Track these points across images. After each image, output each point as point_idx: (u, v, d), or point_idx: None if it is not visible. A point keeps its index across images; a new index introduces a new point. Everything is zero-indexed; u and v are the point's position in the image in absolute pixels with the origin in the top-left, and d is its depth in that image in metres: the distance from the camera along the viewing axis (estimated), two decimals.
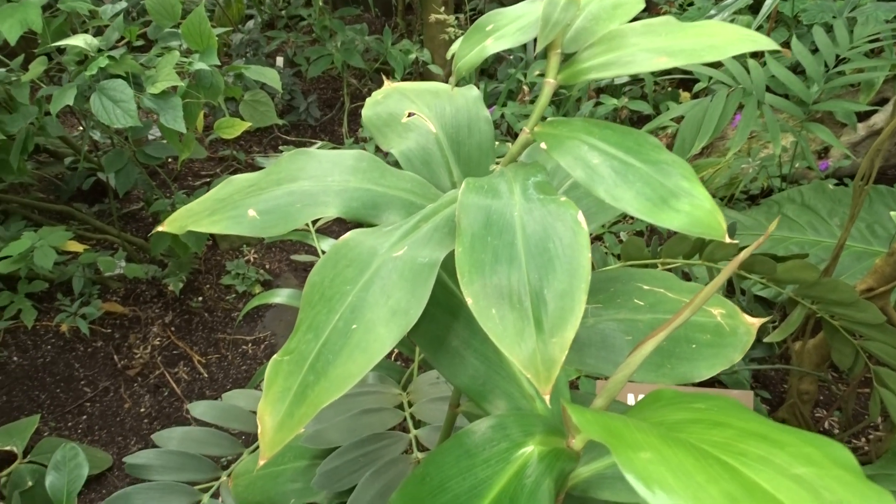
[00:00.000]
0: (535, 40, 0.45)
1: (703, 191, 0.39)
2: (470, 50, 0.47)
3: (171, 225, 0.54)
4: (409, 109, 0.61)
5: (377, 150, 2.44)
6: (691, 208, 0.38)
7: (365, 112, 0.63)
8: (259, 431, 0.40)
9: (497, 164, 0.54)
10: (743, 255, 0.36)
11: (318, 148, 0.61)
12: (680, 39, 0.41)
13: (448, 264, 0.47)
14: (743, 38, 0.39)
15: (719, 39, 0.40)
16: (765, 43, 0.39)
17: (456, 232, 0.40)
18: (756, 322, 0.64)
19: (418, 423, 0.80)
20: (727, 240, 0.39)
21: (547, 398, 0.35)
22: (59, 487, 0.84)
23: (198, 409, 0.88)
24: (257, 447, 0.84)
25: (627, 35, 0.43)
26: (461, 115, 0.60)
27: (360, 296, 0.42)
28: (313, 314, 0.43)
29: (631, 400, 1.11)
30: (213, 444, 0.85)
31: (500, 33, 0.46)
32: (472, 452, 0.43)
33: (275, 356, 0.43)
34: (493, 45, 0.46)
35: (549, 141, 0.43)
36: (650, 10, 2.97)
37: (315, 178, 0.53)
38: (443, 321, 0.50)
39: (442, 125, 0.59)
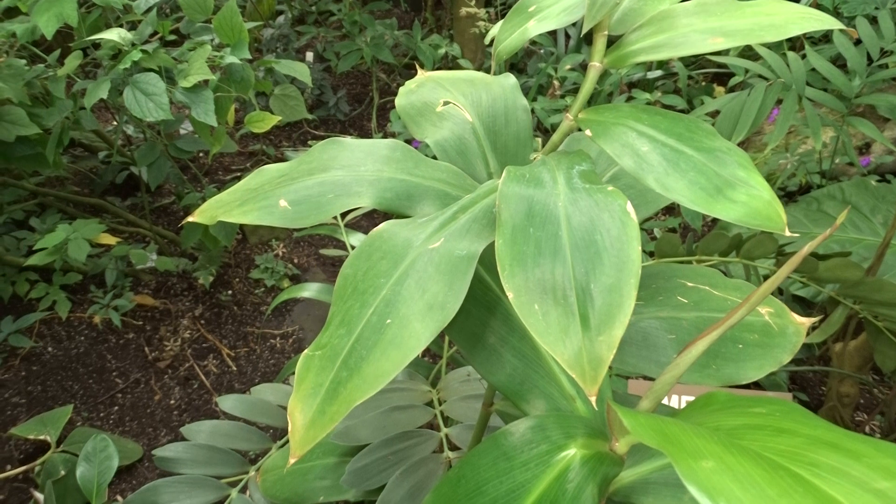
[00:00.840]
0: (569, 31, 0.43)
1: (761, 180, 0.37)
2: (511, 32, 0.45)
3: (201, 216, 0.53)
4: (443, 98, 0.59)
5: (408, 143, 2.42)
6: (748, 198, 0.36)
7: (398, 101, 0.62)
8: (290, 429, 0.38)
9: (535, 156, 0.52)
10: (806, 248, 0.34)
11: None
12: (736, 19, 0.38)
13: (485, 258, 0.45)
14: (806, 17, 0.37)
15: (779, 18, 0.37)
16: (830, 21, 0.36)
17: (496, 223, 0.38)
18: (806, 322, 0.61)
19: (448, 422, 0.79)
20: (787, 232, 0.36)
21: (593, 400, 0.33)
22: (90, 479, 0.84)
23: (227, 402, 0.87)
24: (286, 442, 0.84)
25: (679, 15, 0.41)
26: (498, 104, 0.58)
27: (395, 289, 0.40)
28: (346, 308, 0.41)
29: (673, 402, 1.08)
30: (241, 438, 0.85)
31: (544, 14, 0.44)
32: (509, 455, 0.41)
33: (306, 351, 0.41)
34: (535, 27, 0.44)
35: (595, 128, 0.41)
36: None
37: (348, 168, 0.51)
38: (479, 317, 0.48)
39: (478, 114, 0.57)
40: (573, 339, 0.35)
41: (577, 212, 0.38)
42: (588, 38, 3.17)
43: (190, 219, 0.53)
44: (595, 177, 0.40)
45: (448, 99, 0.59)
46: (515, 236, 0.37)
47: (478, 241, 0.41)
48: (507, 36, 0.46)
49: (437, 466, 0.69)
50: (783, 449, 0.27)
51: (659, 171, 0.38)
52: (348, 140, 0.54)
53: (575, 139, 0.62)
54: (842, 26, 0.36)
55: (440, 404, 0.80)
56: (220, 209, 0.51)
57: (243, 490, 0.79)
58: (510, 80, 0.60)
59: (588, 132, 0.41)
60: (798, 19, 0.37)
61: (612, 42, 0.48)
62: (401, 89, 0.64)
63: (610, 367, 1.47)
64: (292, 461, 0.37)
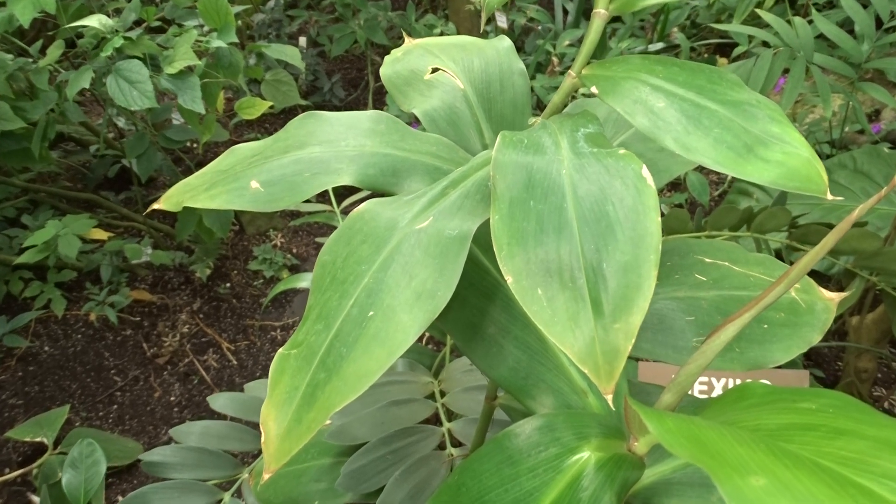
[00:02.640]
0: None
1: (798, 136, 0.31)
2: None
3: (167, 202, 0.48)
4: (433, 65, 0.54)
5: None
6: (784, 157, 0.31)
7: (383, 70, 0.56)
8: (263, 440, 0.34)
9: (534, 120, 0.46)
10: (857, 212, 0.29)
11: None
12: None
13: (481, 238, 0.40)
14: None
15: None
16: None
17: (491, 197, 0.33)
18: (835, 297, 0.56)
19: (452, 415, 0.74)
20: (829, 196, 0.31)
21: (609, 398, 0.28)
22: (77, 486, 0.80)
23: (218, 401, 0.83)
24: None
25: None
26: (492, 69, 0.53)
27: (378, 277, 0.35)
28: (324, 300, 0.36)
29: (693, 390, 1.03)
30: (234, 438, 0.80)
31: None
32: (515, 459, 0.36)
33: (281, 349, 0.36)
34: None
35: (601, 84, 0.36)
36: None
37: (327, 144, 0.46)
38: (476, 305, 0.43)
39: (470, 80, 0.52)
40: (584, 327, 0.30)
41: (585, 180, 0.32)
42: (588, 14, 3.09)
43: (155, 205, 0.48)
44: (604, 140, 0.35)
45: (437, 65, 0.54)
46: (513, 211, 0.32)
47: (471, 219, 0.36)
48: None
49: (439, 465, 0.65)
50: (845, 456, 0.22)
51: (678, 130, 0.32)
52: (328, 113, 0.49)
53: (579, 107, 0.57)
54: None
55: (442, 397, 0.75)
56: (186, 194, 0.46)
57: (236, 493, 0.75)
58: (505, 42, 0.55)
59: (594, 89, 0.36)
60: None
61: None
62: (386, 58, 0.58)
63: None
64: (266, 478, 0.33)
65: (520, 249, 0.31)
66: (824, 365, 1.72)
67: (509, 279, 0.31)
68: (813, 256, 0.31)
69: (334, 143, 0.46)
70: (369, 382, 0.32)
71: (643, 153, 0.53)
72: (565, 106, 0.43)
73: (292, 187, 0.43)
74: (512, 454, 0.37)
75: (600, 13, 0.37)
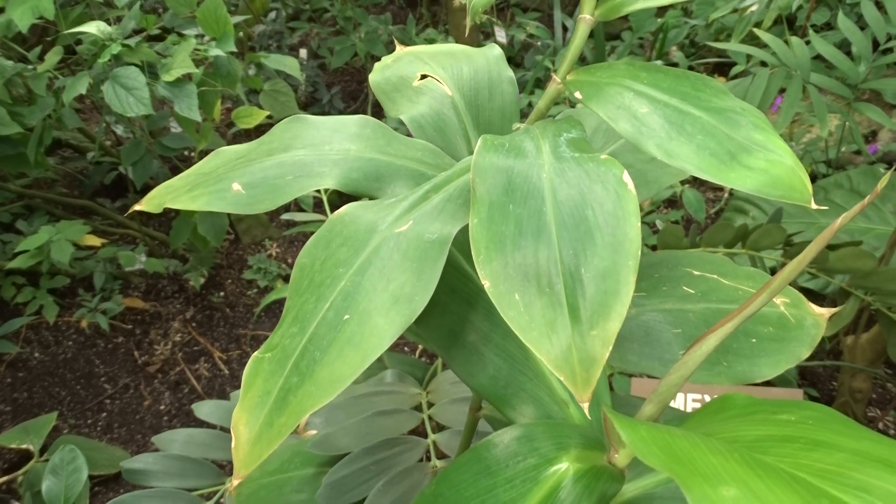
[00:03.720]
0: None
1: (782, 143, 0.31)
2: None
3: (149, 203, 0.48)
4: (422, 72, 0.54)
5: None
6: (768, 164, 0.30)
7: (372, 77, 0.56)
8: (233, 444, 0.33)
9: (518, 125, 0.46)
10: (840, 220, 0.28)
11: None
12: None
13: (464, 244, 0.40)
14: None
15: None
16: None
17: (471, 201, 0.32)
18: (825, 312, 0.55)
19: (439, 427, 0.73)
20: (813, 204, 0.30)
21: (585, 406, 0.28)
22: (57, 493, 0.79)
23: (203, 409, 0.82)
24: None
25: None
26: (481, 77, 0.52)
27: (355, 280, 0.35)
28: (300, 303, 0.35)
29: (678, 403, 1.02)
30: (218, 447, 0.79)
31: None
32: (492, 470, 0.36)
33: (255, 353, 0.36)
34: None
35: (586, 89, 0.35)
36: None
37: (311, 147, 0.46)
38: (457, 312, 0.42)
39: (459, 87, 0.51)
40: (561, 334, 0.29)
41: (565, 184, 0.32)
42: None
43: (137, 207, 0.48)
44: (586, 145, 0.34)
45: (426, 72, 0.54)
46: (493, 214, 0.32)
47: (451, 223, 0.36)
48: None
49: (422, 477, 0.64)
50: (822, 468, 0.22)
51: (661, 136, 0.32)
52: (314, 117, 0.49)
53: (568, 116, 0.56)
54: None
55: (429, 408, 0.74)
56: (168, 195, 0.46)
57: (218, 503, 0.74)
58: (494, 50, 0.55)
59: (578, 94, 0.36)
60: None
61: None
62: (376, 65, 0.58)
63: (611, 366, 1.40)
64: (236, 483, 0.32)
65: (498, 253, 0.31)
66: (819, 384, 1.71)
67: (486, 284, 0.30)
68: (795, 267, 0.31)
69: (319, 146, 0.46)
70: (342, 387, 0.32)
71: (633, 163, 0.53)
72: (551, 112, 0.43)
73: (274, 190, 0.42)
74: (490, 464, 0.36)
75: (585, 18, 0.37)
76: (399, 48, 0.61)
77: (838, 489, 0.20)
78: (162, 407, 1.78)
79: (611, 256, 0.30)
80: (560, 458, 0.35)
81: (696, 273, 0.53)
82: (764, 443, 0.25)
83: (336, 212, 0.38)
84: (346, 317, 0.33)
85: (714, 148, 0.31)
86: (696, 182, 2.22)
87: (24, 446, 1.48)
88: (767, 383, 1.60)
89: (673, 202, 2.23)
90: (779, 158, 0.31)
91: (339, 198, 1.85)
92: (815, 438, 0.23)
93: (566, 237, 0.31)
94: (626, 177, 0.31)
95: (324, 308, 0.34)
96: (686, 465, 0.21)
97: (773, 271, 1.56)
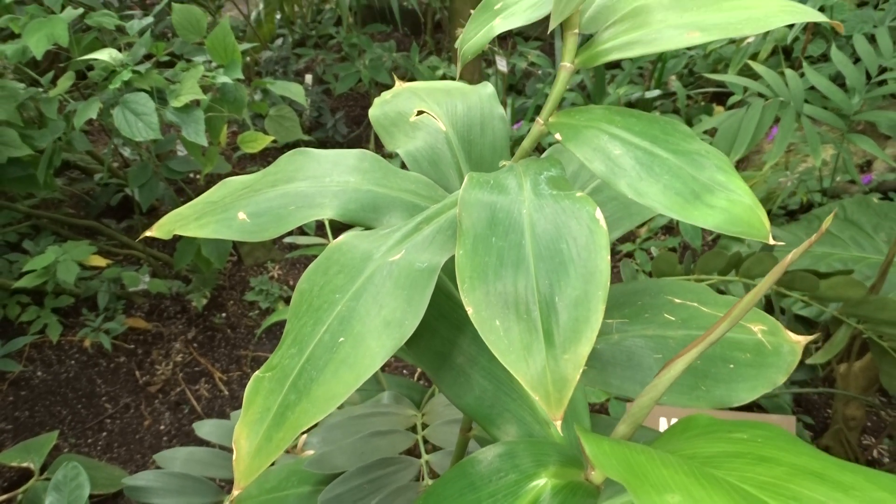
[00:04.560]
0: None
1: (742, 184, 0.34)
2: (477, 31, 0.43)
3: (159, 230, 0.51)
4: (418, 108, 0.57)
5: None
6: (728, 204, 0.33)
7: (372, 112, 0.59)
8: (234, 457, 0.35)
9: (504, 163, 0.49)
10: (790, 256, 0.31)
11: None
12: (713, 13, 0.36)
13: (455, 273, 0.42)
14: (785, 10, 0.34)
15: (758, 12, 0.35)
16: (811, 14, 0.34)
17: (457, 233, 0.35)
18: (801, 340, 0.58)
19: (433, 448, 0.75)
20: (770, 240, 0.33)
21: (558, 424, 0.30)
22: None
23: (203, 428, 0.84)
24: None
25: (653, 10, 0.38)
26: (474, 113, 0.56)
27: (350, 305, 0.37)
28: (299, 326, 0.38)
29: (664, 425, 1.04)
30: (217, 465, 0.81)
31: (510, 11, 0.41)
32: (476, 485, 0.38)
33: (257, 372, 0.38)
34: (501, 25, 0.42)
35: (565, 131, 0.38)
36: None
37: (313, 179, 0.49)
38: (447, 336, 0.45)
39: (452, 123, 0.55)
40: (536, 357, 0.32)
41: (542, 219, 0.35)
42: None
43: (148, 233, 0.51)
44: (565, 183, 0.37)
45: (423, 108, 0.57)
46: (476, 246, 0.35)
47: (440, 254, 0.39)
48: (473, 35, 0.43)
49: (415, 496, 0.66)
50: (763, 480, 0.24)
51: (632, 176, 0.35)
52: (316, 151, 0.52)
53: (558, 152, 0.59)
54: (825, 19, 0.34)
55: (423, 429, 0.77)
56: (177, 223, 0.49)
57: None
58: (487, 88, 0.58)
59: (558, 136, 0.39)
60: (777, 12, 0.34)
61: (587, 39, 0.45)
62: (376, 100, 0.61)
63: (605, 393, 1.42)
64: (236, 494, 0.34)
65: (480, 283, 0.33)
66: (814, 412, 1.72)
67: (470, 310, 0.33)
68: (756, 294, 0.33)
69: (320, 178, 0.49)
70: (336, 404, 0.34)
71: (616, 196, 0.56)
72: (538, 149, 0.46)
73: (278, 219, 0.45)
74: (474, 480, 0.38)
75: (566, 66, 0.40)
76: (398, 84, 0.64)
77: (774, 498, 0.23)
78: (162, 427, 1.79)
79: (583, 286, 0.32)
80: (539, 473, 0.37)
81: (677, 301, 0.56)
82: (718, 458, 0.28)
83: (334, 241, 0.41)
84: (342, 339, 0.36)
85: (679, 188, 0.34)
86: None
87: (24, 465, 1.49)
88: (762, 410, 1.62)
89: (670, 229, 2.26)
90: (739, 198, 0.33)
91: (342, 224, 1.89)
92: (761, 454, 0.26)
93: (543, 268, 0.33)
94: (599, 213, 0.34)
95: (321, 331, 0.37)
96: (639, 475, 0.23)
97: (766, 299, 1.58)
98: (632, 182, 0.35)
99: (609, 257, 0.33)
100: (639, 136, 0.37)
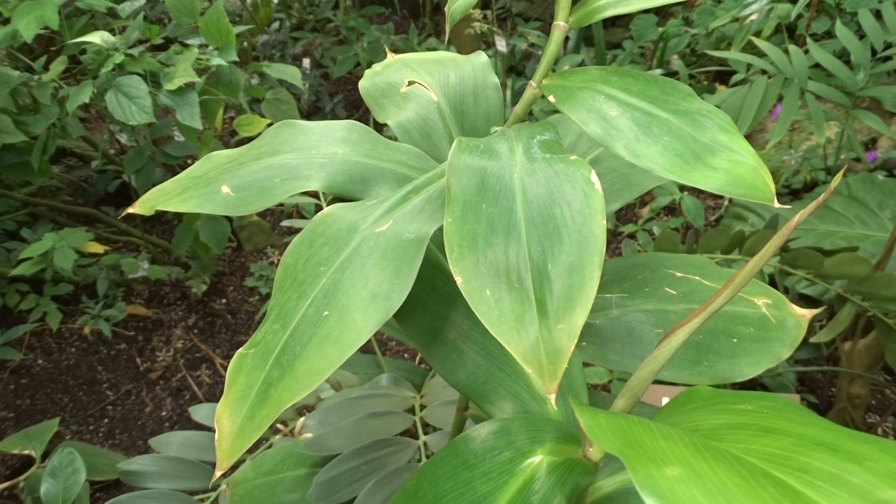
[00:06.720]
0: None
1: (746, 145, 0.32)
2: None
3: (142, 206, 0.49)
4: (409, 78, 0.55)
5: None
6: (731, 165, 0.31)
7: (362, 83, 0.57)
8: (217, 437, 0.34)
9: (496, 129, 0.47)
10: (797, 217, 0.29)
11: None
12: None
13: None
14: None
15: None
16: None
17: (445, 200, 0.33)
18: (807, 314, 0.56)
19: (431, 429, 0.74)
20: (776, 204, 0.31)
21: (552, 398, 0.29)
22: (55, 495, 0.80)
23: (199, 412, 0.83)
24: (259, 453, 0.79)
25: None
26: (467, 83, 0.54)
27: (336, 278, 0.36)
28: (283, 300, 0.37)
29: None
30: (213, 448, 0.80)
31: None
32: (470, 463, 0.36)
33: (240, 349, 0.37)
34: None
35: (559, 93, 0.36)
36: (685, 5, 2.87)
37: (299, 151, 0.47)
38: (438, 310, 0.44)
39: (445, 94, 0.53)
40: (529, 328, 0.30)
41: (535, 183, 0.33)
42: (588, 40, 3.13)
43: (130, 209, 0.49)
44: (558, 146, 0.35)
45: (414, 79, 0.55)
46: (466, 213, 0.33)
47: (429, 223, 0.37)
48: None
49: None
50: (769, 452, 0.23)
51: (629, 138, 0.33)
52: (303, 122, 0.50)
53: (554, 122, 0.57)
54: None
55: (421, 410, 0.75)
56: (160, 198, 0.47)
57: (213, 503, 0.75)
58: (481, 57, 0.56)
59: (551, 98, 0.37)
60: None
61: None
62: (366, 71, 0.59)
63: (608, 371, 1.40)
64: (218, 475, 0.33)
65: (470, 251, 0.32)
66: (818, 390, 1.71)
67: (459, 280, 0.31)
68: (756, 263, 0.31)
69: (307, 150, 0.47)
70: (320, 380, 0.33)
71: (615, 167, 0.54)
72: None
73: (262, 192, 0.43)
74: (468, 458, 0.37)
75: (559, 25, 0.38)
76: (390, 55, 0.62)
77: (780, 470, 0.21)
78: (163, 413, 1.79)
79: (577, 252, 0.31)
80: (535, 451, 0.36)
81: (678, 275, 0.54)
82: (721, 430, 0.26)
83: (320, 212, 0.40)
84: (326, 313, 0.34)
85: (679, 149, 0.32)
86: (695, 189, 2.23)
87: (26, 452, 1.49)
88: (765, 389, 1.60)
89: (672, 210, 2.24)
90: (742, 159, 0.32)
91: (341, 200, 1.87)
92: (767, 425, 0.24)
93: (535, 234, 0.32)
94: (594, 177, 0.32)
95: (305, 305, 0.35)
96: (636, 448, 0.22)
97: (770, 277, 1.56)
98: (629, 144, 0.33)
99: (605, 222, 0.31)
100: (637, 97, 0.35)
